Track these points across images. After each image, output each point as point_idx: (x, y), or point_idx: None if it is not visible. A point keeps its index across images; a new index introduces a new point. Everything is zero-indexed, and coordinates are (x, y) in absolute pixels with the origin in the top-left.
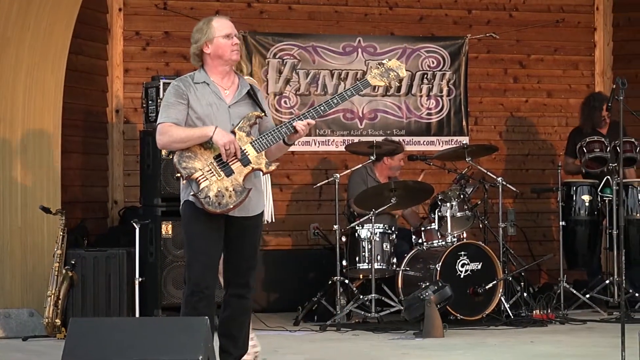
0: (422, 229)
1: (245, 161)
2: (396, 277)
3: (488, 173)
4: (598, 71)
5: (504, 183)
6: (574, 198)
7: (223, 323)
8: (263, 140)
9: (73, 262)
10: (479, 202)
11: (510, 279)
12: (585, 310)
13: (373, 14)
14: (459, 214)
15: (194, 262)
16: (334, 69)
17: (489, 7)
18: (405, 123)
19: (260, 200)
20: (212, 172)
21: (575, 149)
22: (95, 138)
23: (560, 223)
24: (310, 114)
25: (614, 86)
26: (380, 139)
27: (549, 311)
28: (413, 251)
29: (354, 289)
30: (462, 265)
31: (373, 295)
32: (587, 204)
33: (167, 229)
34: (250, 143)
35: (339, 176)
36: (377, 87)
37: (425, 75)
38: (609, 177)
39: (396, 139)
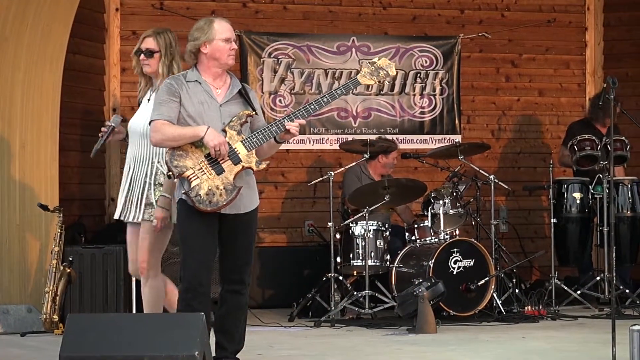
0: (415, 226)
1: (235, 160)
2: (390, 274)
3: (480, 171)
4: (589, 70)
5: (496, 181)
6: (565, 196)
7: (219, 319)
8: (254, 139)
9: (71, 258)
10: (472, 199)
11: (502, 275)
12: (576, 306)
13: (367, 13)
14: (451, 212)
15: (188, 260)
16: (328, 68)
17: (481, 7)
18: (399, 121)
19: (254, 197)
20: (203, 171)
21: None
22: (92, 136)
23: (552, 220)
24: (301, 113)
25: (605, 85)
26: (374, 137)
27: (541, 307)
28: (406, 248)
29: (348, 285)
30: (455, 262)
31: (367, 291)
32: (578, 202)
33: None
34: (241, 142)
35: (333, 174)
36: (370, 86)
37: (419, 75)
38: (600, 175)
39: (390, 137)
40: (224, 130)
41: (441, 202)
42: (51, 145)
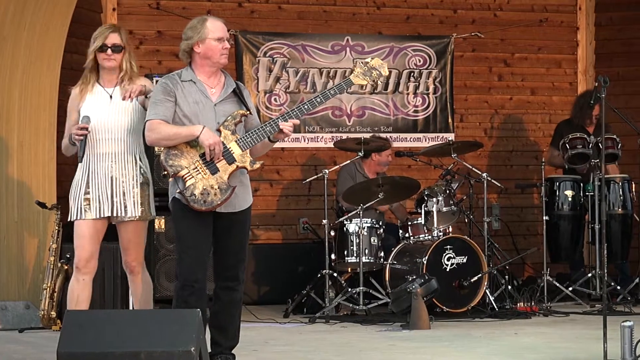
0: (409, 223)
1: (230, 159)
2: (383, 271)
3: (473, 169)
4: (580, 69)
5: (489, 179)
6: (557, 193)
7: (214, 315)
8: (248, 138)
9: (68, 255)
10: (465, 197)
11: (495, 272)
12: (568, 302)
13: (361, 13)
14: (444, 209)
15: (184, 257)
16: (322, 67)
17: (474, 6)
18: (393, 120)
19: (247, 195)
20: (198, 170)
21: (559, 141)
22: None
23: (544, 218)
24: (295, 113)
25: (596, 84)
26: (368, 135)
27: (533, 304)
28: (400, 245)
29: (343, 282)
30: (448, 259)
31: (361, 288)
32: (570, 199)
33: (159, 223)
34: (236, 141)
35: (327, 172)
36: (364, 86)
37: (412, 74)
38: (591, 173)
39: (384, 135)
40: (219, 130)
41: (434, 199)
42: (49, 144)
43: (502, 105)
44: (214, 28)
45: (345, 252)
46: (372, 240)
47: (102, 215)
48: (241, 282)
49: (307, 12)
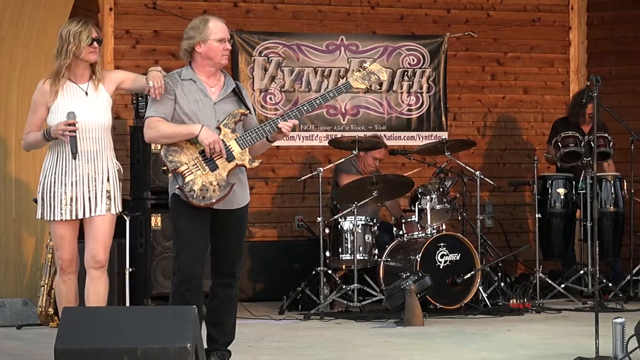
0: (403, 221)
1: (229, 157)
2: (378, 268)
3: (466, 167)
4: (573, 69)
5: (482, 177)
6: (550, 191)
7: (210, 312)
8: (247, 137)
9: None
10: (458, 195)
11: (488, 269)
12: (560, 299)
13: (355, 13)
14: (438, 207)
15: (182, 253)
16: (317, 66)
17: (467, 6)
18: (387, 119)
19: (245, 193)
20: (197, 167)
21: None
22: None
23: (536, 215)
24: (294, 114)
25: (589, 83)
26: (362, 134)
27: (526, 300)
28: (394, 242)
29: (337, 279)
30: (442, 256)
31: (355, 285)
32: (562, 197)
33: (156, 221)
34: (235, 139)
35: (322, 170)
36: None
37: (406, 73)
38: (584, 170)
39: (378, 134)
40: (219, 128)
41: (428, 197)
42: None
43: (495, 104)
44: (216, 29)
45: (340, 250)
46: (366, 237)
47: (78, 217)
48: (238, 279)
49: (302, 12)
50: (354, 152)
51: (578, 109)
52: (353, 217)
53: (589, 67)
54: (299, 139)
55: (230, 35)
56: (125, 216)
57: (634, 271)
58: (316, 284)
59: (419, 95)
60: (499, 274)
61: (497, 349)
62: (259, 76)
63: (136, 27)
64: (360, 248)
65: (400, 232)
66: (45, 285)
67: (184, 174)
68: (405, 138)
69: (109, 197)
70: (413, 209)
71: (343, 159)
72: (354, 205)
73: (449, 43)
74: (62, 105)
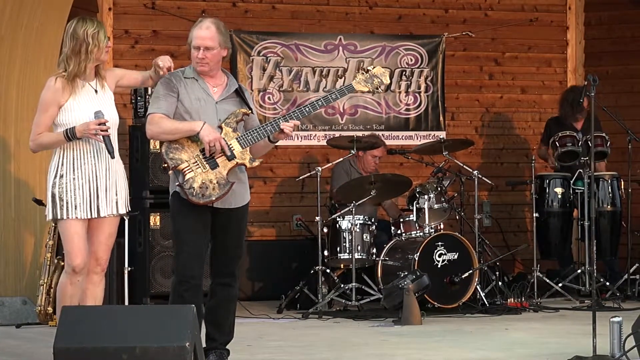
0: (401, 220)
1: (230, 156)
2: (376, 267)
3: (464, 166)
4: (570, 68)
5: (480, 176)
6: (547, 190)
7: (209, 311)
8: (249, 136)
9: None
10: (456, 194)
11: (486, 268)
12: (557, 298)
13: (354, 13)
14: (436, 206)
15: (181, 252)
16: (315, 66)
17: (465, 6)
18: (385, 118)
19: (245, 192)
20: (198, 165)
21: (549, 137)
22: None
23: (534, 215)
24: (295, 115)
25: (586, 83)
26: (360, 133)
27: (523, 299)
28: (392, 242)
29: (335, 278)
30: (439, 255)
31: (353, 284)
32: (559, 196)
33: (155, 220)
34: (236, 139)
35: (320, 169)
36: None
37: (404, 73)
38: (581, 170)
39: (376, 133)
40: (220, 127)
41: (426, 197)
42: None
43: (492, 104)
44: (194, 35)
45: (338, 249)
46: (364, 237)
47: (92, 215)
48: (237, 279)
49: (300, 12)
50: (352, 151)
51: (575, 107)
52: (351, 216)
53: (586, 66)
54: (298, 139)
55: (230, 35)
56: (124, 215)
57: (631, 270)
58: (314, 283)
59: (417, 94)
60: (497, 273)
61: (495, 347)
62: (258, 76)
63: (135, 27)
64: (359, 247)
65: (398, 232)
66: (45, 285)
67: (184, 171)
68: (403, 137)
69: (122, 196)
70: (411, 208)
71: (341, 159)
72: (352, 204)
73: (447, 43)
74: (76, 104)
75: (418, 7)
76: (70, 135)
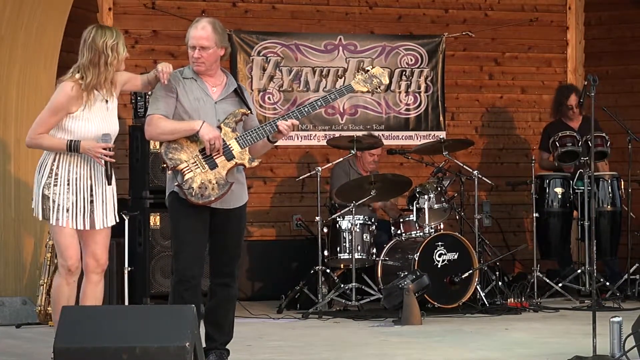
0: (401, 220)
1: (229, 156)
2: (376, 267)
3: (464, 166)
4: (570, 68)
5: (480, 176)
6: (547, 191)
7: (209, 311)
8: (247, 137)
9: None
10: (456, 194)
11: (486, 268)
12: (557, 298)
13: (353, 13)
14: (436, 206)
15: (181, 252)
16: (315, 66)
17: (465, 6)
18: (385, 118)
19: (243, 192)
20: (197, 165)
21: (549, 143)
22: None
23: (534, 215)
24: (294, 115)
25: (586, 83)
26: (359, 133)
27: (523, 299)
28: (392, 242)
29: (335, 278)
30: (439, 255)
31: (353, 284)
32: (559, 196)
33: (155, 220)
34: (235, 139)
35: (320, 169)
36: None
37: (404, 73)
38: (581, 170)
39: (375, 133)
40: (219, 127)
41: (426, 196)
42: None
43: (492, 104)
44: (190, 36)
45: (338, 249)
46: (364, 237)
47: (86, 227)
48: (236, 279)
49: (300, 12)
50: (352, 151)
51: (562, 106)
52: (351, 216)
53: (586, 66)
54: (297, 139)
55: (229, 35)
56: (124, 215)
57: (631, 270)
58: (314, 283)
59: (417, 94)
60: (497, 273)
61: (495, 347)
62: (258, 76)
63: (135, 27)
64: (359, 247)
65: (398, 232)
66: (45, 285)
67: (183, 171)
68: (404, 137)
69: (113, 208)
70: (411, 208)
71: (340, 159)
72: (352, 204)
73: (447, 43)
74: (87, 115)
75: (418, 7)
76: (73, 148)
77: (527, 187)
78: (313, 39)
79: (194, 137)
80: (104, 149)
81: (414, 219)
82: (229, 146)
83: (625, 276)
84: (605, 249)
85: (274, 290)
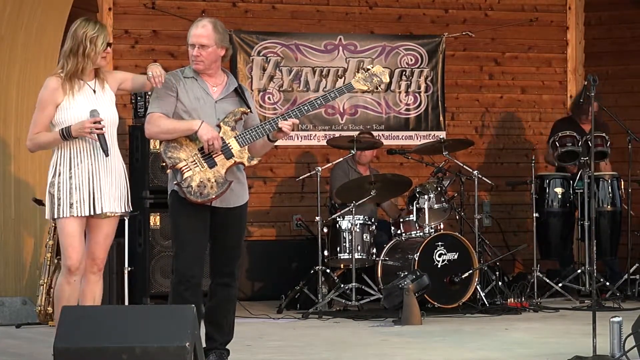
0: (401, 220)
1: (228, 154)
2: (376, 267)
3: (464, 166)
4: (570, 68)
5: (480, 176)
6: (547, 190)
7: (209, 311)
8: (247, 135)
9: None
10: (456, 194)
11: (486, 268)
12: (557, 298)
13: (354, 13)
14: (436, 206)
15: (181, 252)
16: (315, 66)
17: (465, 6)
18: (385, 118)
19: (244, 192)
20: (196, 163)
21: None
22: None
23: (534, 215)
24: (294, 113)
25: (586, 83)
26: (357, 133)
27: (523, 299)
28: (392, 242)
29: (335, 278)
30: (439, 255)
31: (353, 284)
32: (559, 196)
33: (155, 220)
34: (235, 137)
35: (320, 169)
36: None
37: (404, 73)
38: (581, 170)
39: (375, 133)
40: (219, 126)
41: (426, 196)
42: None
43: (492, 104)
44: (190, 34)
45: (338, 249)
46: (364, 237)
47: (90, 213)
48: (236, 278)
49: (300, 12)
50: (352, 151)
51: (578, 108)
52: (351, 216)
53: (586, 66)
54: (297, 139)
55: (229, 35)
56: (124, 215)
57: (631, 270)
58: (314, 283)
59: (417, 94)
60: (497, 273)
61: (495, 347)
62: (258, 76)
63: (135, 27)
64: (359, 247)
65: (398, 231)
66: (45, 285)
67: (183, 170)
68: (404, 137)
69: (123, 195)
70: (411, 208)
71: (340, 160)
72: (352, 204)
73: (447, 43)
74: (72, 103)
75: (418, 7)
76: (66, 134)
77: (527, 187)
78: (313, 39)
79: (193, 136)
80: (94, 123)
81: (414, 219)
82: (228, 145)
83: (625, 276)
84: (605, 249)
85: (274, 290)
